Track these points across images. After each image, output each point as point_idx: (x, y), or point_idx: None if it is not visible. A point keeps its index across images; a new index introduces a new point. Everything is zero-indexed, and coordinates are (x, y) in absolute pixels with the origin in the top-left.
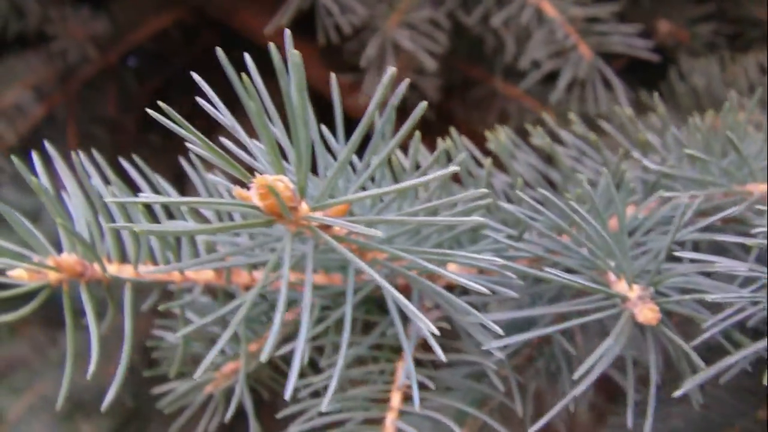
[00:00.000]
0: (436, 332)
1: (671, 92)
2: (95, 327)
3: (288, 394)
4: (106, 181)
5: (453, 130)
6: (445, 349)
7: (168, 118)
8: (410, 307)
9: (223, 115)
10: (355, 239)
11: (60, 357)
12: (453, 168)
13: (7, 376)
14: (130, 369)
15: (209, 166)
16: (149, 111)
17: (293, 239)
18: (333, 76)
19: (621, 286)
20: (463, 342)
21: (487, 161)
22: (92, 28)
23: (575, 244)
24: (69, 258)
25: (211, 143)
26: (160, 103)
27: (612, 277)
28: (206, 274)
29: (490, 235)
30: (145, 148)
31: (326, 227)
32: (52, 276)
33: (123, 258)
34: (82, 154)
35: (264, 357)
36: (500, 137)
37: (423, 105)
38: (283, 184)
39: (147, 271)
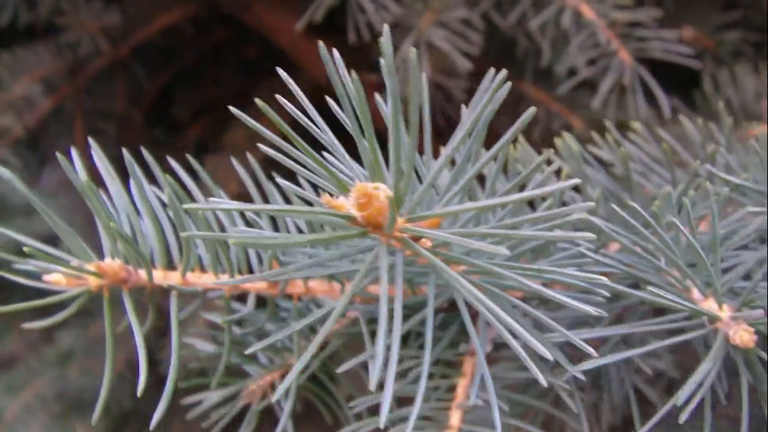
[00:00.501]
0: (550, 357)
1: (703, 99)
2: (140, 336)
3: (383, 421)
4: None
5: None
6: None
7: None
8: (523, 332)
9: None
10: (443, 252)
11: (56, 355)
12: (574, 180)
13: (2, 374)
14: (130, 369)
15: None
16: (232, 109)
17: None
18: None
19: (709, 305)
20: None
21: (564, 169)
22: (104, 20)
23: (655, 258)
24: (113, 263)
25: (310, 149)
26: (258, 101)
27: (696, 294)
28: (259, 284)
29: (568, 248)
30: (151, 144)
31: (416, 239)
32: (93, 282)
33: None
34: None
35: (372, 385)
36: (572, 145)
37: (532, 110)
38: (384, 192)
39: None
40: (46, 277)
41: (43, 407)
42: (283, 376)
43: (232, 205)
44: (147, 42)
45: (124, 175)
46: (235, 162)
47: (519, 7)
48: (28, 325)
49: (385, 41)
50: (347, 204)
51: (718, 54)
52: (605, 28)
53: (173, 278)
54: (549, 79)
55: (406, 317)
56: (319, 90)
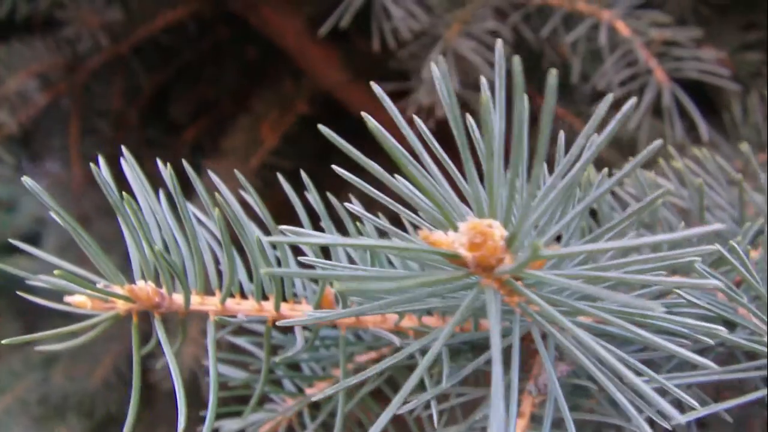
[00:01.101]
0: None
1: (732, 122)
2: (175, 366)
3: None
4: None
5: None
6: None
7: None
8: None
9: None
10: (547, 295)
11: (40, 358)
12: (717, 226)
13: None
14: (118, 375)
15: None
16: (322, 128)
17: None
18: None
19: None
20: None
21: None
22: (106, 16)
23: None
24: (146, 287)
25: (423, 177)
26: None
27: None
28: (305, 313)
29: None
30: (146, 145)
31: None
32: (122, 306)
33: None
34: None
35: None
36: (678, 166)
37: (658, 143)
38: (500, 231)
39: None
40: (68, 299)
41: (24, 411)
42: (312, 406)
43: (320, 239)
44: (148, 39)
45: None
46: (282, 179)
47: (551, 22)
48: (41, 348)
49: (517, 64)
50: (453, 242)
51: (738, 75)
52: (641, 47)
53: (211, 304)
54: (571, 95)
55: (458, 352)
56: (322, 95)
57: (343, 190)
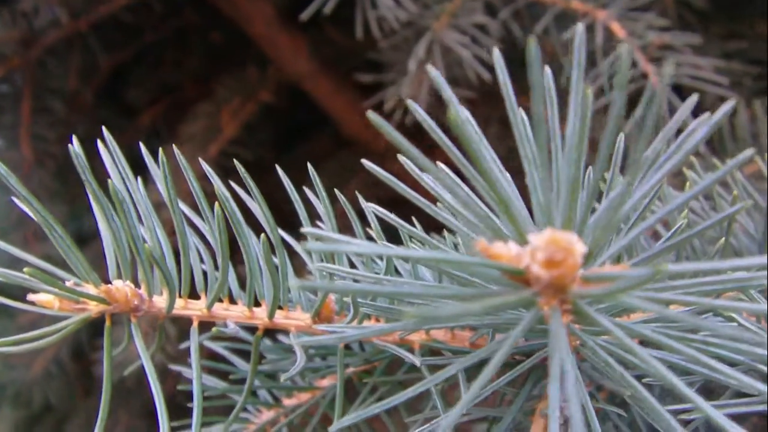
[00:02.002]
0: None
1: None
2: (154, 375)
3: None
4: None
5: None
6: None
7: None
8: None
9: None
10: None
11: None
12: None
13: None
14: (59, 365)
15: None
16: (371, 116)
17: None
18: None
19: None
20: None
21: None
22: None
23: None
24: (124, 288)
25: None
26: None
27: None
28: (302, 322)
29: None
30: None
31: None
32: (94, 307)
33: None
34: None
35: None
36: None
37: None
38: (580, 246)
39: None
40: (32, 297)
41: None
42: (287, 416)
43: (367, 249)
44: (109, 16)
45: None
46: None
47: (544, 20)
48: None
49: (626, 54)
50: (519, 256)
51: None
52: (638, 50)
53: (196, 309)
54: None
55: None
56: (287, 84)
57: (304, 184)
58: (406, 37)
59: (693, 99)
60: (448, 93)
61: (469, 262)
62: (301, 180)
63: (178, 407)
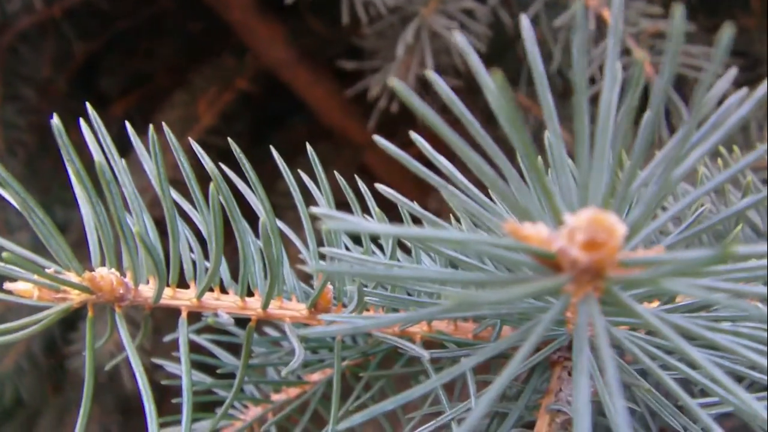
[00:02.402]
0: None
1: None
2: (141, 369)
3: None
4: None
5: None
6: None
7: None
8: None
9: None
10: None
11: None
12: None
13: None
14: (31, 359)
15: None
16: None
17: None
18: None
19: None
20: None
21: None
22: None
23: None
24: (109, 276)
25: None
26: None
27: None
28: (297, 312)
29: None
30: (72, 116)
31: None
32: (76, 297)
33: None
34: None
35: None
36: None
37: None
38: (621, 227)
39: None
40: (10, 286)
41: None
42: (276, 413)
43: (387, 229)
44: (83, 3)
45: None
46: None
47: (534, 6)
48: None
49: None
50: (552, 238)
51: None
52: (630, 37)
53: (185, 299)
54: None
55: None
56: (265, 72)
57: (281, 174)
58: (392, 24)
59: (732, 72)
60: (474, 59)
61: (498, 244)
62: (278, 170)
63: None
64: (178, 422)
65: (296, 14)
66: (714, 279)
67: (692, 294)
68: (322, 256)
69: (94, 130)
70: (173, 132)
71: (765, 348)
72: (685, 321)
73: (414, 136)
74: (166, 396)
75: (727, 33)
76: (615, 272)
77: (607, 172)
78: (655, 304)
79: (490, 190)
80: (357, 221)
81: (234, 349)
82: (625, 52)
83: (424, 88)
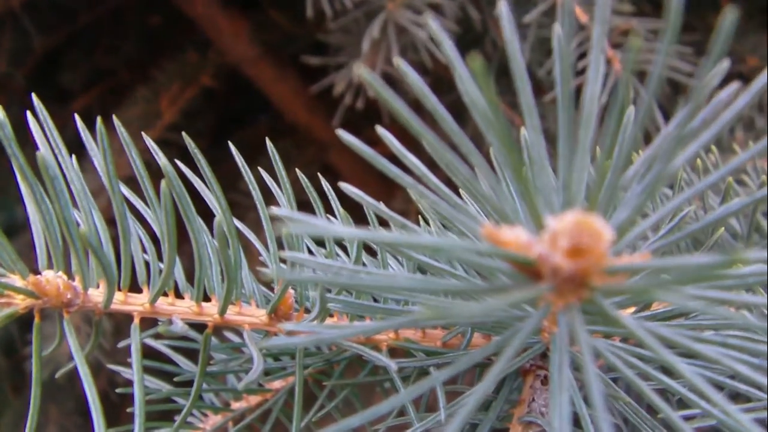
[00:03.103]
0: None
1: None
2: (89, 377)
3: None
4: None
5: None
6: None
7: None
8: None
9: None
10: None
11: None
12: None
13: None
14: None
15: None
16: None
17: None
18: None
19: None
20: None
21: None
22: None
23: None
24: (55, 279)
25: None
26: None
27: None
28: (257, 319)
29: None
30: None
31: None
32: (21, 302)
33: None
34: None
35: None
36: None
37: None
38: (608, 231)
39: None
40: None
41: None
42: (237, 422)
43: (355, 232)
44: None
45: None
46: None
47: (502, 2)
48: None
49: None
50: (530, 244)
51: None
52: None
53: (137, 304)
54: (509, 85)
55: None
56: (228, 68)
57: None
58: (357, 19)
59: (725, 65)
60: (448, 46)
61: (474, 250)
62: (238, 169)
63: (114, 406)
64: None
65: (260, 9)
66: (703, 287)
67: (682, 303)
68: (284, 260)
69: (41, 123)
70: (135, 129)
71: (755, 360)
72: (671, 332)
73: (381, 131)
74: (126, 400)
75: (729, 18)
76: (601, 281)
77: (587, 172)
78: (630, 310)
79: (462, 190)
80: (321, 224)
81: (193, 354)
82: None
83: (391, 85)
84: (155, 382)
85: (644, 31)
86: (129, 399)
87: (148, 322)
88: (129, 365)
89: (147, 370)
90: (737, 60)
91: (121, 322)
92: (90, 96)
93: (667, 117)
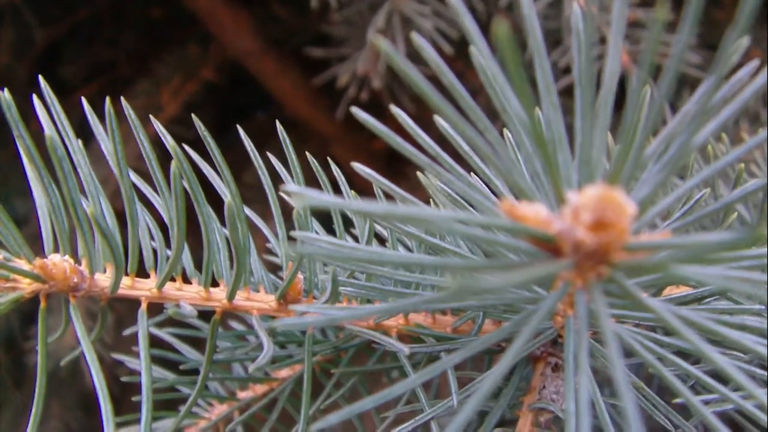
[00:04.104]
0: None
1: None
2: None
3: None
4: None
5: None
6: None
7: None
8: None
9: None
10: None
11: None
12: None
13: None
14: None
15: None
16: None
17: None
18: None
19: None
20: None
21: None
22: None
23: None
24: (62, 263)
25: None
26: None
27: None
28: (265, 304)
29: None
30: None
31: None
32: (27, 286)
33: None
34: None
35: None
36: None
37: None
38: (626, 205)
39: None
40: None
41: None
42: (243, 411)
43: (371, 206)
44: None
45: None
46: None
47: None
48: None
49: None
50: (549, 220)
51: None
52: (605, 26)
53: (144, 288)
54: None
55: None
56: (230, 61)
57: (245, 164)
58: (361, 11)
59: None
60: (467, 21)
61: (494, 224)
62: (242, 161)
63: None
64: (138, 421)
65: (262, 2)
66: (726, 267)
67: (706, 281)
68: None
69: (47, 105)
70: (140, 118)
71: None
72: (696, 315)
73: (395, 110)
74: (128, 392)
75: None
76: (622, 257)
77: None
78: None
79: (484, 165)
80: (336, 199)
81: (197, 343)
82: (601, 40)
83: (395, 77)
84: (159, 371)
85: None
86: (129, 393)
87: (155, 310)
88: (131, 355)
89: (152, 359)
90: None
91: (124, 316)
92: (91, 89)
93: (673, 109)
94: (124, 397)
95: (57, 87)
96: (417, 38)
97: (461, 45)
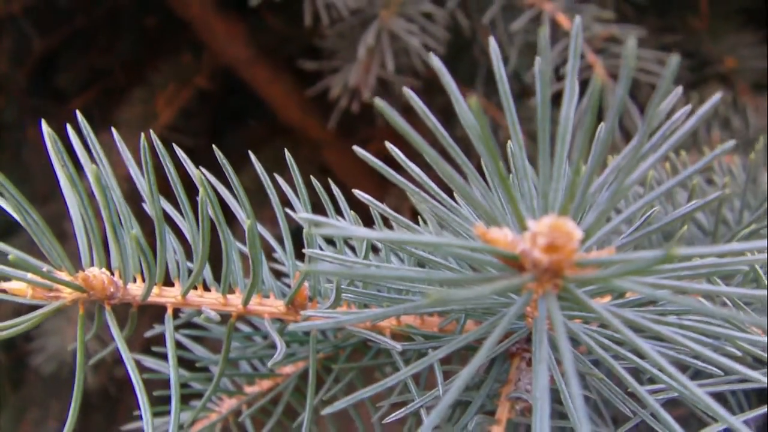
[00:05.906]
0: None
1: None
2: (132, 362)
3: None
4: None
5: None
6: None
7: None
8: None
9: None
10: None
11: None
12: None
13: None
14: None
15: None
16: (377, 101)
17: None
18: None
19: None
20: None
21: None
22: None
23: None
24: (101, 275)
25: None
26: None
27: None
28: (276, 309)
29: None
30: (31, 113)
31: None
32: (68, 295)
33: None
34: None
35: None
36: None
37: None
38: (578, 231)
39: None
40: (4, 285)
41: None
42: (250, 405)
43: (375, 234)
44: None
45: None
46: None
47: (491, 10)
48: None
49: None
50: (515, 242)
51: None
52: (583, 42)
53: (170, 296)
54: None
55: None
56: (223, 70)
57: (239, 171)
58: (352, 25)
59: (678, 90)
60: (458, 99)
61: (469, 247)
62: (237, 164)
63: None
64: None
65: (255, 11)
66: (659, 277)
67: (638, 291)
68: (299, 255)
69: (84, 136)
70: (133, 129)
71: (707, 339)
72: (633, 315)
73: (391, 147)
74: (124, 398)
75: (674, 60)
76: (572, 272)
77: (565, 178)
78: (607, 299)
79: (459, 197)
80: (349, 227)
81: (203, 343)
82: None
83: (384, 89)
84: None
85: (624, 37)
86: (127, 395)
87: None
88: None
89: (163, 357)
90: (715, 61)
91: (123, 317)
92: (87, 96)
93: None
94: (123, 399)
95: (54, 94)
96: (408, 93)
97: (448, 59)
